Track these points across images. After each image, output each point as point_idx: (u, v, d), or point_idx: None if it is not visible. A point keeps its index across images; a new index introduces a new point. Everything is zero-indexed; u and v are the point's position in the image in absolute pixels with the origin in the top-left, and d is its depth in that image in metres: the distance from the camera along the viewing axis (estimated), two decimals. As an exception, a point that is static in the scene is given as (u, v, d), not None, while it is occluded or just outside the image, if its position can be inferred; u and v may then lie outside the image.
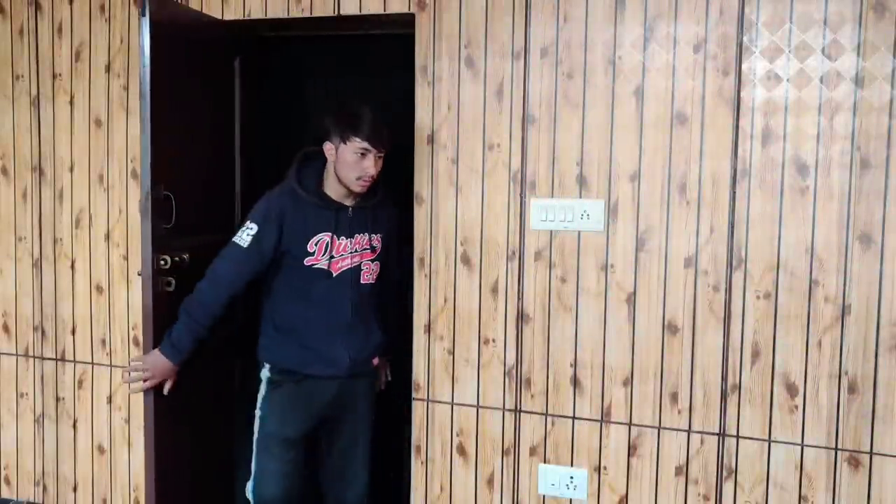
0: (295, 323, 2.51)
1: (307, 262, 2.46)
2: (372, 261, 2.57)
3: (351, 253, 2.51)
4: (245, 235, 2.42)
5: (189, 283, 2.50)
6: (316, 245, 2.46)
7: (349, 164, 2.41)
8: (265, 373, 2.56)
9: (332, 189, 2.49)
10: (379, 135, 2.41)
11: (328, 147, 2.46)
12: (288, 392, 2.53)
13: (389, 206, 2.65)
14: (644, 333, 2.57)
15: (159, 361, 2.47)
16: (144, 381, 2.48)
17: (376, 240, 2.58)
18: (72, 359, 3.24)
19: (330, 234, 2.46)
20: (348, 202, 2.50)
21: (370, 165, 2.41)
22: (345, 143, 2.40)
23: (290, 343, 2.51)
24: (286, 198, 2.46)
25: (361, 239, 2.53)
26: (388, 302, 2.75)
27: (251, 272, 2.47)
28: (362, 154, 2.40)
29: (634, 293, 2.57)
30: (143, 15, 2.44)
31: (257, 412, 2.56)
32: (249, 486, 2.57)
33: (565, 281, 2.63)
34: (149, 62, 2.45)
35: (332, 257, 2.47)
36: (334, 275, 2.49)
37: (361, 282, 2.55)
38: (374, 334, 2.62)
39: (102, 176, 3.12)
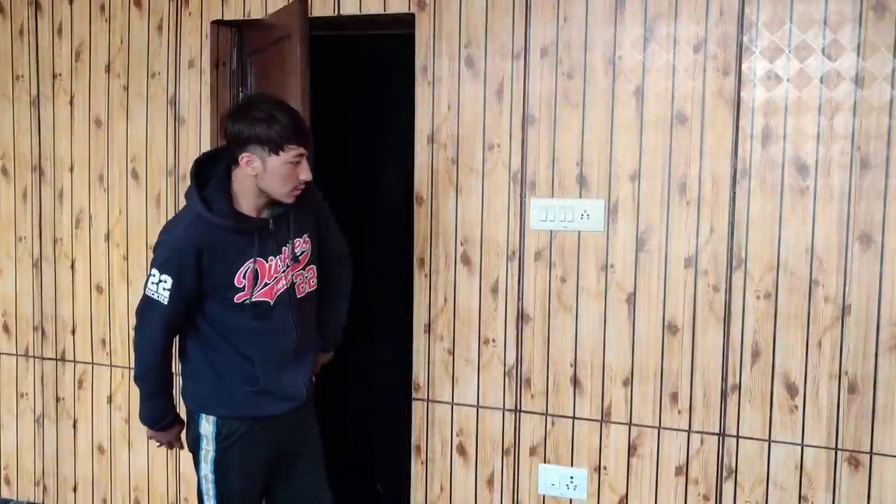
0: (237, 364, 2.14)
1: (237, 298, 2.07)
2: (304, 268, 2.20)
3: (284, 271, 2.14)
4: (161, 290, 2.03)
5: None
6: (245, 277, 2.07)
7: (282, 176, 2.01)
8: (208, 428, 2.15)
9: (248, 204, 2.08)
10: (307, 132, 2.06)
11: (248, 160, 2.00)
12: (243, 444, 2.16)
13: (309, 193, 2.20)
14: (644, 333, 2.57)
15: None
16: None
17: (303, 243, 2.20)
18: (72, 359, 3.24)
19: (257, 259, 2.08)
20: (266, 214, 2.11)
21: (306, 170, 2.04)
22: (277, 154, 1.98)
23: (236, 387, 2.14)
24: (196, 230, 2.03)
25: (288, 250, 2.15)
26: (335, 290, 2.39)
27: (181, 319, 2.12)
28: (296, 162, 2.01)
29: (634, 293, 2.57)
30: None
31: (207, 475, 2.17)
32: None
33: (565, 281, 2.63)
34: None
35: (266, 284, 2.10)
36: (272, 302, 2.12)
37: (298, 296, 2.20)
38: (316, 346, 2.33)
39: (102, 176, 3.12)
